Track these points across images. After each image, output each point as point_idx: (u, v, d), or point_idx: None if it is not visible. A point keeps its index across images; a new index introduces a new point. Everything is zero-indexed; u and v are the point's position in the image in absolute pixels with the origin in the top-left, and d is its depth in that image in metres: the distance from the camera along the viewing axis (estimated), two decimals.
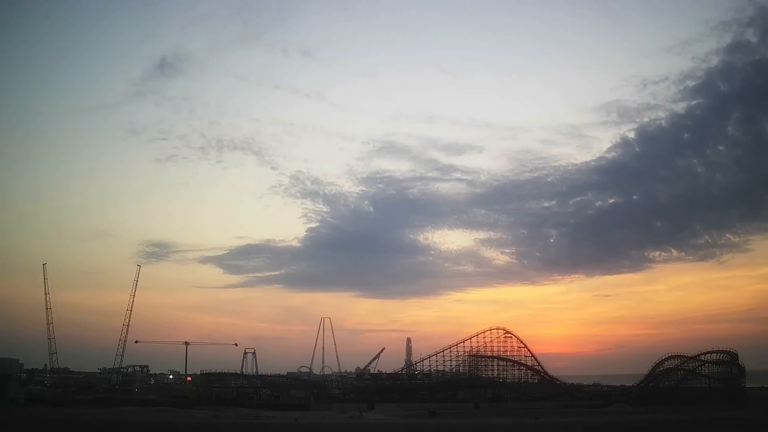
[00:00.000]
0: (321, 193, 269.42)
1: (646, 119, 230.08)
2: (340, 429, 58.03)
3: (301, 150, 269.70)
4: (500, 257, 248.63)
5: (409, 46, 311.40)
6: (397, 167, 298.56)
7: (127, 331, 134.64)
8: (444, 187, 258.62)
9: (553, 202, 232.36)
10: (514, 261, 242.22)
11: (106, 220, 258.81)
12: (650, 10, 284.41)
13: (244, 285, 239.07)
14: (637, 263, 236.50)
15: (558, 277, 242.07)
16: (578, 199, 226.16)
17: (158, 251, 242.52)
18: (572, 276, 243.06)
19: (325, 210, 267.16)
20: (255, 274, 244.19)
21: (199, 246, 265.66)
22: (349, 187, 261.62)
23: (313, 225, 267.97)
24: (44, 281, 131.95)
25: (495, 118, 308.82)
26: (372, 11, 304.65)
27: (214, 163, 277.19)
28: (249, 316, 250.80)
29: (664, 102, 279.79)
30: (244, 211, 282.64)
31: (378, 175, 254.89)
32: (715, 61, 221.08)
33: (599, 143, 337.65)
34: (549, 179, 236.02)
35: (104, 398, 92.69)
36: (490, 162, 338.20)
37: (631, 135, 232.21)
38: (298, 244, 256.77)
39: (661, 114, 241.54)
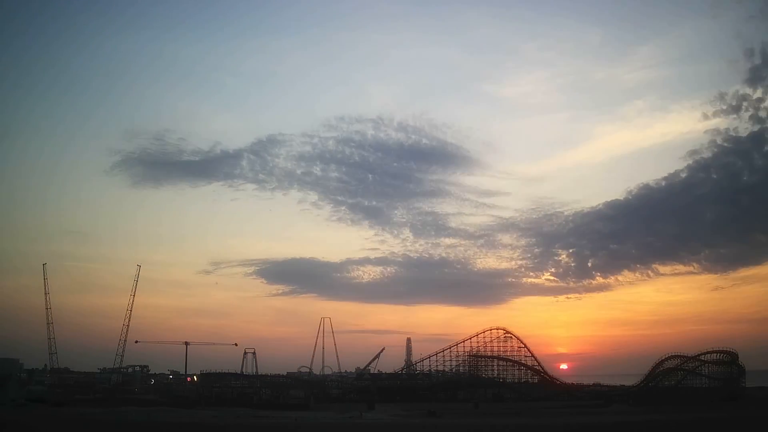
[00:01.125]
0: (369, 223, 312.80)
1: (647, 177, 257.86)
2: (340, 429, 58.04)
3: (361, 191, 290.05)
4: (518, 270, 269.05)
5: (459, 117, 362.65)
6: (439, 206, 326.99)
7: (127, 331, 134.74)
8: (476, 220, 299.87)
9: (564, 230, 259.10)
10: (531, 274, 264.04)
11: (177, 246, 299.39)
12: (647, 117, 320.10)
13: (283, 294, 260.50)
14: (643, 273, 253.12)
15: (567, 287, 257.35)
16: (587, 227, 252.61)
17: (208, 269, 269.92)
18: (580, 283, 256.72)
19: (369, 234, 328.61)
20: (293, 285, 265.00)
21: (250, 262, 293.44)
22: (396, 218, 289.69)
23: (355, 247, 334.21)
24: (44, 282, 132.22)
25: (522, 170, 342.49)
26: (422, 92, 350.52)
27: (280, 197, 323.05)
28: (250, 317, 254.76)
29: (661, 168, 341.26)
30: (298, 235, 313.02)
31: (422, 210, 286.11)
32: (698, 143, 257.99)
33: (609, 194, 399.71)
34: (565, 213, 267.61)
35: (104, 398, 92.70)
36: (516, 203, 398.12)
37: (633, 186, 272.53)
38: (336, 261, 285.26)
39: (660, 174, 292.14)
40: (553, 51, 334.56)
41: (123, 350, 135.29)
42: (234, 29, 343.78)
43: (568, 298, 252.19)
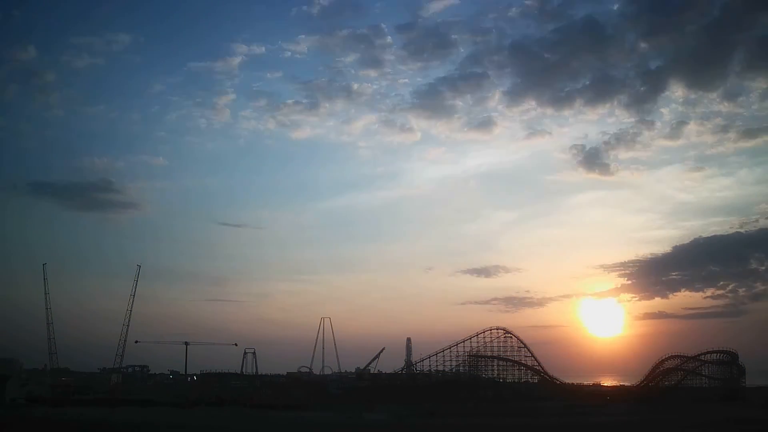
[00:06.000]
0: None
1: None
2: (340, 429, 58.11)
3: None
4: None
5: None
6: None
7: (127, 331, 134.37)
8: None
9: None
10: None
11: None
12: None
13: None
14: None
15: None
16: None
17: None
18: None
19: None
20: None
21: None
22: None
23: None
24: (44, 281, 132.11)
25: None
26: None
27: None
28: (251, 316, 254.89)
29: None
30: None
31: None
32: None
33: None
34: None
35: (104, 398, 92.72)
36: None
37: None
38: None
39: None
40: None
41: (123, 350, 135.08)
42: None
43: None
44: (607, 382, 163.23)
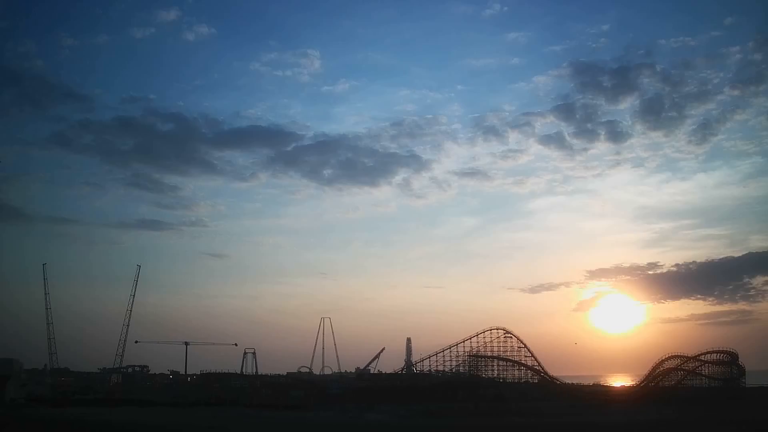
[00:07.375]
0: None
1: None
2: (340, 429, 58.11)
3: None
4: None
5: None
6: None
7: (127, 331, 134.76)
8: None
9: None
10: None
11: None
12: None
13: None
14: None
15: None
16: None
17: None
18: None
19: None
20: None
21: None
22: None
23: None
24: (44, 281, 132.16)
25: None
26: None
27: None
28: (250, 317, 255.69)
29: None
30: None
31: None
32: None
33: None
34: None
35: (104, 398, 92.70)
36: None
37: None
38: None
39: None
40: None
41: (123, 350, 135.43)
42: None
43: None
44: (607, 382, 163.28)
